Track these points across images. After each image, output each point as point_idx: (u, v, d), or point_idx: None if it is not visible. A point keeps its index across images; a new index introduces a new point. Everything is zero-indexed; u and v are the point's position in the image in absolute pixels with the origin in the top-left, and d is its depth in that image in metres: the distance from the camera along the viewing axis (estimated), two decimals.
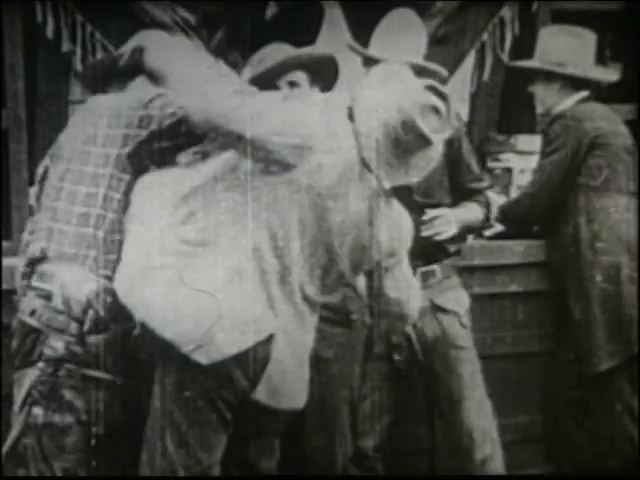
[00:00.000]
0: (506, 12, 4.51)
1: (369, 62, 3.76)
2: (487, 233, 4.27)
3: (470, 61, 4.61)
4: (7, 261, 3.55)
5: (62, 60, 4.15)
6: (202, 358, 2.86)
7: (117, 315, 2.99)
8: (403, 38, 3.78)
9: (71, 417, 2.99)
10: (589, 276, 4.16)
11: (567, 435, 4.30)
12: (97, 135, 3.07)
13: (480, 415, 3.81)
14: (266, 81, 3.46)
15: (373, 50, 3.81)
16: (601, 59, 4.55)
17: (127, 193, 3.04)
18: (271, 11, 4.29)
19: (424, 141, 2.90)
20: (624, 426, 4.16)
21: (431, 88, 2.95)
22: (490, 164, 4.68)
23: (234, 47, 4.14)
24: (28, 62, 4.12)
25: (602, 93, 4.89)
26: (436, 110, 2.91)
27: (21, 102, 4.07)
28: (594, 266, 4.15)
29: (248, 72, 3.57)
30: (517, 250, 4.28)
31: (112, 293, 2.98)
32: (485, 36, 4.50)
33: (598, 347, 4.13)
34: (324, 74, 3.62)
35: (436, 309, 3.83)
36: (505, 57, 4.60)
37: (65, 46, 4.07)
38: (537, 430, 4.37)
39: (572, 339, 4.23)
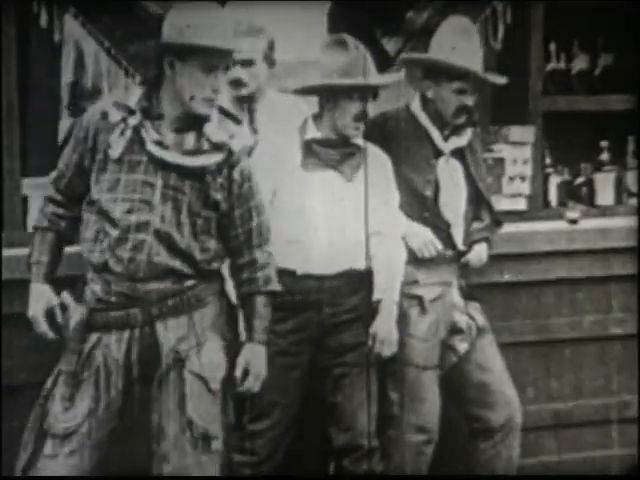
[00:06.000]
0: (498, 4, 4.51)
1: None
2: None
3: None
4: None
5: (55, 51, 4.15)
6: None
7: None
8: (461, 44, 3.93)
9: None
10: None
11: None
12: None
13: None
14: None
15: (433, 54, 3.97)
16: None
17: None
18: None
19: None
20: None
21: None
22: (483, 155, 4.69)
23: None
24: (21, 53, 4.13)
25: (597, 84, 4.92)
26: None
27: (14, 93, 4.08)
28: None
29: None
30: None
31: None
32: (477, 26, 4.48)
33: None
34: None
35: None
36: (498, 46, 4.58)
37: (57, 37, 4.06)
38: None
39: None
